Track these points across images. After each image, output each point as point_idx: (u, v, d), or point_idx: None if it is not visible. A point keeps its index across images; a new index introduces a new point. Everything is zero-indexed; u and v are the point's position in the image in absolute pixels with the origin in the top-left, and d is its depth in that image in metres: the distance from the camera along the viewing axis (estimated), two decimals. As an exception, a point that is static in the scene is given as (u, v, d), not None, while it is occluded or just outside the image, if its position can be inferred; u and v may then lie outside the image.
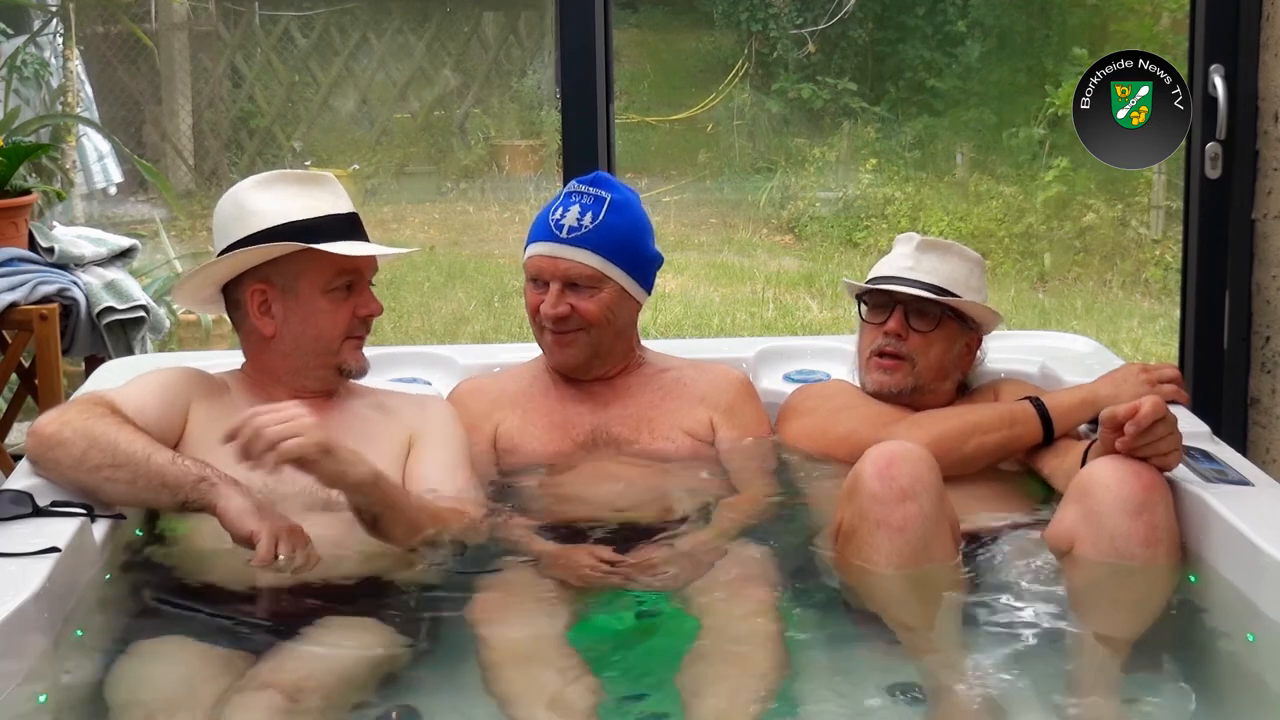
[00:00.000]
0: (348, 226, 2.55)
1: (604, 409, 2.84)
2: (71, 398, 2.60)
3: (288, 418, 2.21)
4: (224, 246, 2.54)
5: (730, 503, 2.65)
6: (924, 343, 2.84)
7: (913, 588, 2.30)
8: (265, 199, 2.53)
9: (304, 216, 2.51)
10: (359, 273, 2.55)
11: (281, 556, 2.22)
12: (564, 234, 2.75)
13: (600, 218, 2.76)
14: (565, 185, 2.87)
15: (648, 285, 2.85)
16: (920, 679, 2.08)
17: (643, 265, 2.82)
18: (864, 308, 2.92)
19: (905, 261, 2.87)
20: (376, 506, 2.31)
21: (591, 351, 2.80)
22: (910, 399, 2.86)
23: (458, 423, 2.67)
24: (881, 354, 2.86)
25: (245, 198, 2.55)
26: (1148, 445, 2.33)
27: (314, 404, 2.57)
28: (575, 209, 2.77)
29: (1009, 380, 2.99)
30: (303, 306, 2.53)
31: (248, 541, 2.25)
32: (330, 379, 2.59)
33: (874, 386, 2.88)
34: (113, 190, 8.62)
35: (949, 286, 2.83)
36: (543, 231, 2.78)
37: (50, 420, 2.40)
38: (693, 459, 2.81)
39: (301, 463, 2.22)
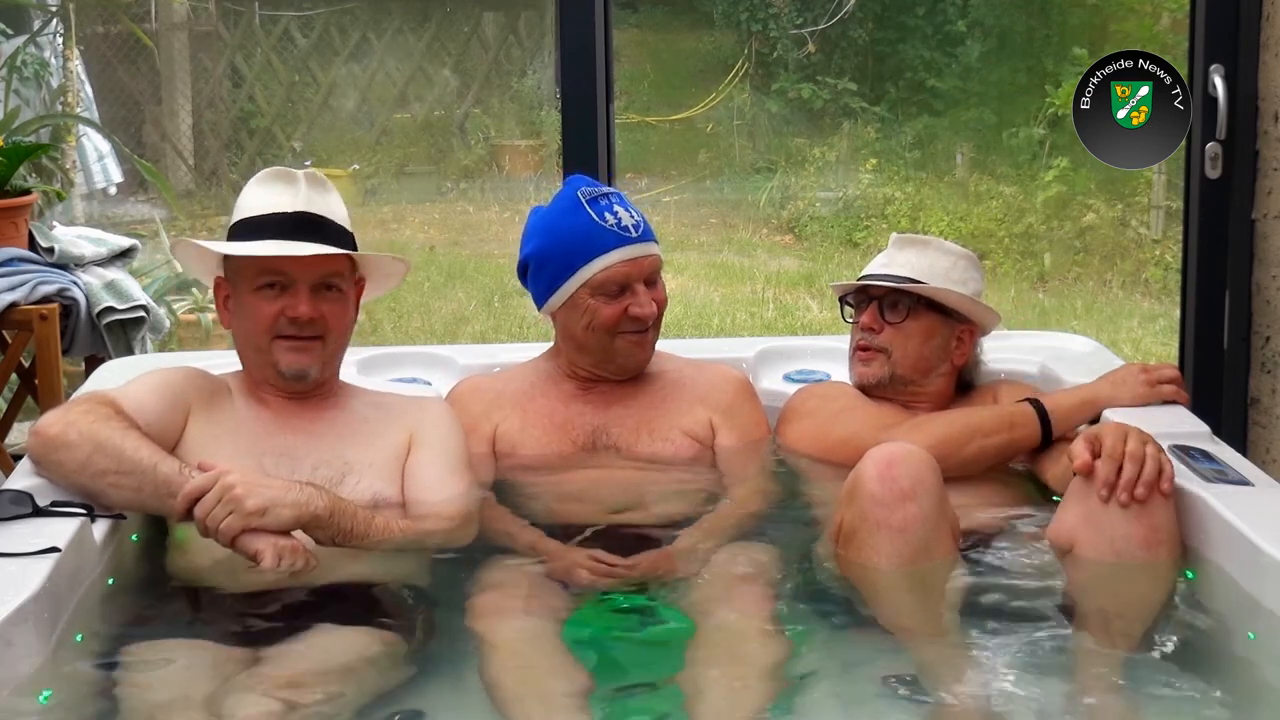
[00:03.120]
0: (288, 226, 2.50)
1: (604, 410, 2.84)
2: (72, 397, 2.60)
3: (216, 499, 2.25)
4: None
5: (728, 504, 2.65)
6: (899, 334, 2.87)
7: (913, 588, 2.30)
8: (247, 194, 2.57)
9: (255, 213, 2.52)
10: (284, 273, 2.49)
11: (283, 565, 2.25)
12: (634, 233, 2.75)
13: (637, 209, 2.80)
14: (576, 197, 2.77)
15: None
16: (920, 679, 2.08)
17: None
18: (849, 309, 2.98)
19: (882, 259, 2.95)
20: (336, 537, 2.33)
21: (655, 342, 2.84)
22: (897, 394, 2.88)
23: (456, 424, 2.67)
24: (859, 347, 2.91)
25: (242, 192, 2.59)
26: (1134, 477, 2.30)
27: (316, 402, 2.58)
28: (619, 209, 2.77)
29: (1008, 382, 3.00)
30: (241, 304, 2.55)
31: (251, 557, 2.26)
32: (275, 379, 2.56)
33: (856, 379, 2.94)
34: (113, 190, 8.62)
35: (921, 277, 2.87)
36: (609, 240, 2.73)
37: (54, 421, 2.39)
38: (692, 460, 2.81)
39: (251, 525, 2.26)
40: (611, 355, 2.80)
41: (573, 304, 2.77)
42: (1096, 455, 2.30)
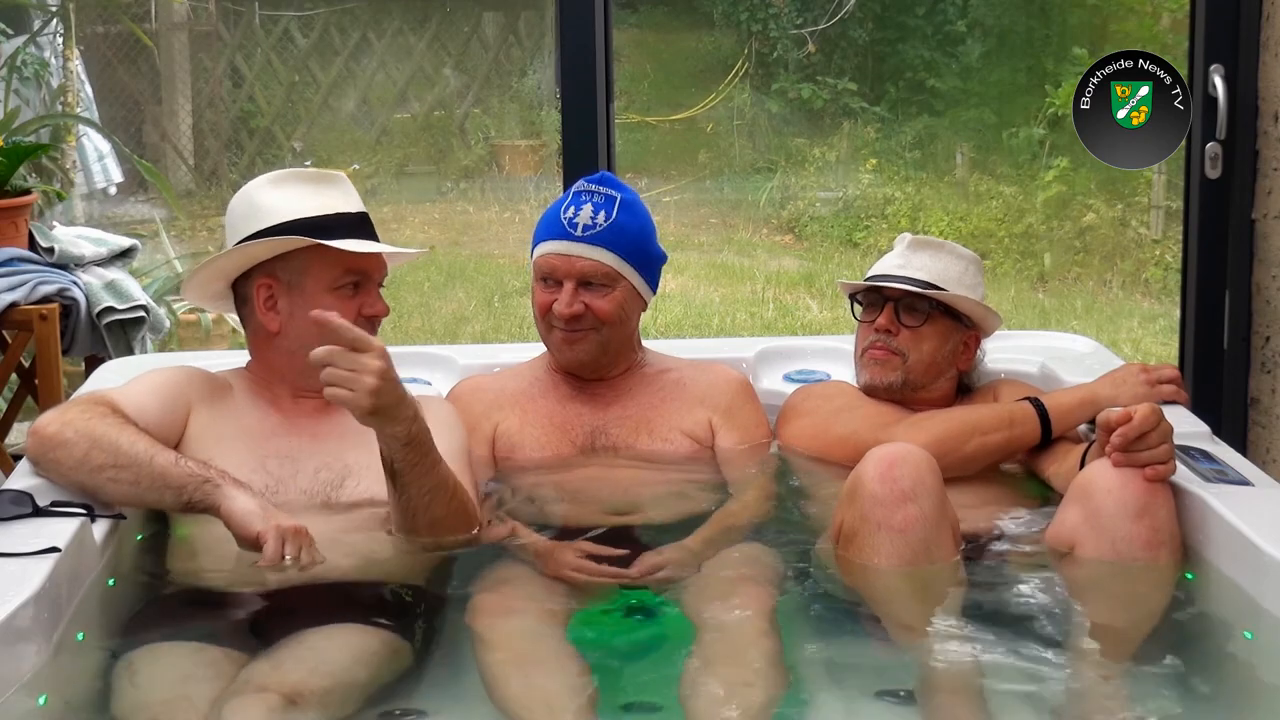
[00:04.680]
0: (357, 226, 2.55)
1: (604, 410, 2.84)
2: (71, 397, 2.60)
3: (356, 366, 2.21)
4: (234, 243, 2.55)
5: (728, 504, 2.65)
6: (914, 338, 2.85)
7: (913, 589, 2.30)
8: (277, 196, 2.54)
9: (314, 214, 2.51)
10: (366, 273, 2.54)
11: (288, 557, 2.24)
12: (579, 232, 2.74)
13: (614, 216, 2.76)
14: (570, 185, 2.86)
15: (654, 284, 2.87)
16: (920, 679, 2.08)
17: (651, 264, 2.84)
18: (858, 307, 2.95)
19: (897, 260, 2.91)
20: (400, 464, 2.31)
21: (600, 350, 2.80)
22: (904, 396, 2.87)
23: (457, 422, 2.67)
24: (873, 348, 2.88)
25: (257, 195, 2.56)
26: (1138, 453, 2.33)
27: (319, 405, 2.58)
28: (588, 208, 2.76)
29: (1008, 381, 3.00)
30: (308, 303, 2.50)
31: (254, 542, 2.25)
32: None
33: (867, 381, 2.91)
34: (113, 190, 8.61)
35: (938, 282, 2.85)
36: (555, 230, 2.77)
37: (51, 420, 2.39)
38: (691, 460, 2.81)
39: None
40: (550, 346, 2.82)
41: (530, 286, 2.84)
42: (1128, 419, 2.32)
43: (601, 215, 2.75)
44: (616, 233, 2.76)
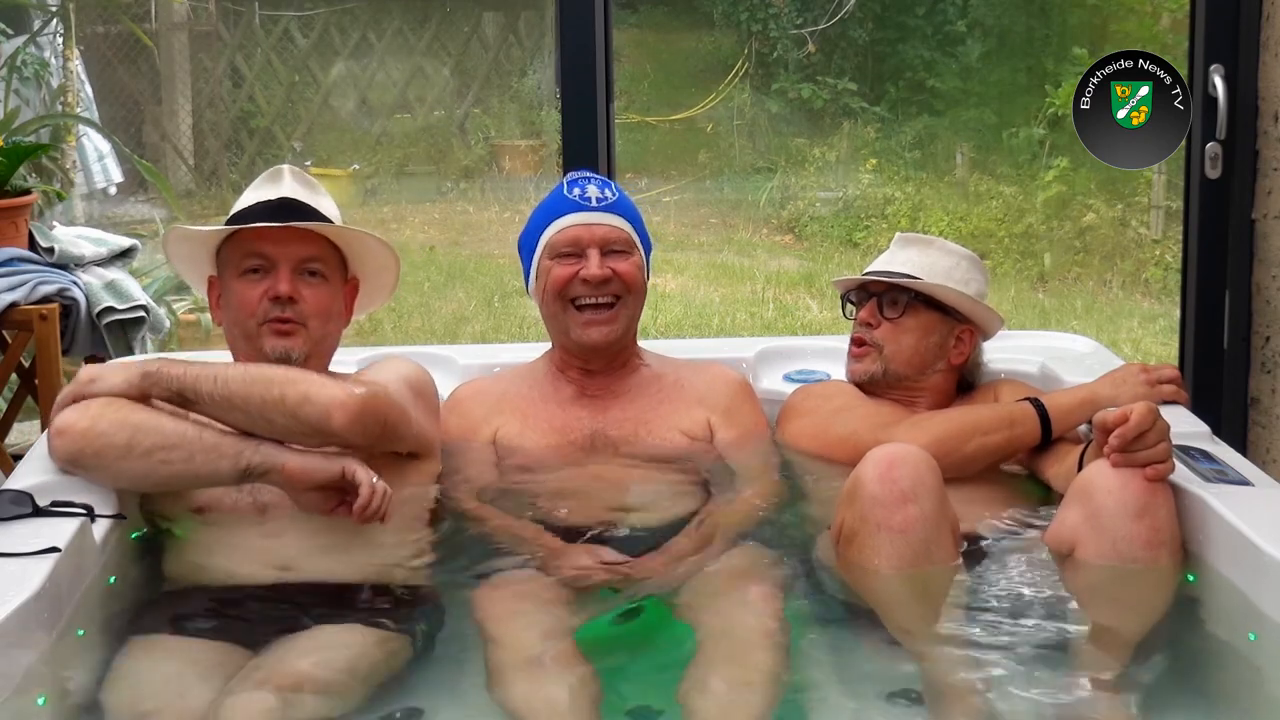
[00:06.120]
0: (270, 211, 2.58)
1: (603, 412, 2.85)
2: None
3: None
4: None
5: (727, 504, 2.65)
6: (894, 330, 2.88)
7: (913, 590, 2.30)
8: (242, 196, 2.68)
9: (240, 207, 2.62)
10: (264, 255, 2.56)
11: (377, 481, 2.31)
12: (594, 203, 2.80)
13: (617, 193, 2.84)
14: (562, 180, 2.90)
15: (650, 268, 2.91)
16: (921, 681, 2.08)
17: (648, 244, 2.90)
18: (850, 307, 3.00)
19: (885, 257, 2.96)
20: (172, 390, 2.36)
21: (626, 325, 2.82)
22: (894, 391, 2.88)
23: (414, 369, 2.68)
24: (853, 341, 2.93)
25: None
26: (1136, 453, 2.33)
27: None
28: (593, 185, 2.83)
29: (1009, 381, 3.00)
30: (228, 293, 2.61)
31: (334, 485, 2.31)
32: None
33: (849, 375, 2.95)
34: (113, 190, 8.61)
35: (922, 275, 2.86)
36: (568, 206, 2.81)
37: (77, 418, 2.34)
38: (690, 461, 2.81)
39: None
40: (568, 328, 2.81)
41: (537, 274, 2.84)
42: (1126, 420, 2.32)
43: (608, 190, 2.84)
44: (625, 206, 2.84)
